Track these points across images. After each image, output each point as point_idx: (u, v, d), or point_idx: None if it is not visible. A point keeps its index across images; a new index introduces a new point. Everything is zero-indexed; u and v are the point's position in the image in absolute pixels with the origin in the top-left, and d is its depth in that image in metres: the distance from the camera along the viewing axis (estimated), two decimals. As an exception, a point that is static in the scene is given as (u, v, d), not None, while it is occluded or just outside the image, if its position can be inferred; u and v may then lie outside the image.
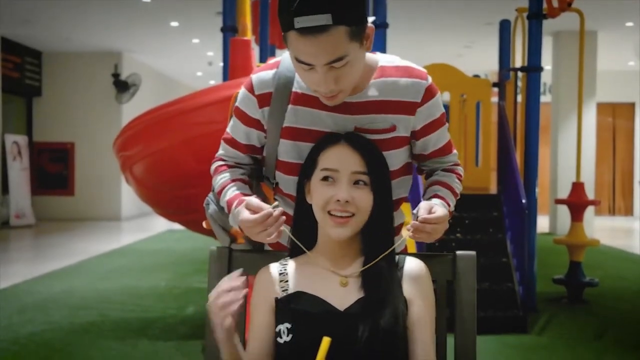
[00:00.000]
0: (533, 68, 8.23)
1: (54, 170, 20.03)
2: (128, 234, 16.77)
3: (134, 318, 7.68)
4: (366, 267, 2.33)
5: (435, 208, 2.44)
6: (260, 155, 2.71)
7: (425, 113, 2.52)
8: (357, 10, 2.21)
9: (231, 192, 2.57)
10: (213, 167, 2.72)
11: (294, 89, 2.51)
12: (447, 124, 2.63)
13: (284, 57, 2.55)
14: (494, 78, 12.30)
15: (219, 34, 8.31)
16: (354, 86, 2.40)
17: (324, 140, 2.36)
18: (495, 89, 10.19)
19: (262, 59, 9.20)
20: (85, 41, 18.39)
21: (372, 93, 2.47)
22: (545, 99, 16.13)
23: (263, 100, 2.53)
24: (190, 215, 6.68)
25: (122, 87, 19.77)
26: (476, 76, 11.25)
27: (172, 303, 8.42)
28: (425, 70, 2.54)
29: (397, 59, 2.56)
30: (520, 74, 9.29)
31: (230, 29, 7.59)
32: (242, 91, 2.59)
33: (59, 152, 20.02)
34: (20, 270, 10.92)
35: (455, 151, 2.72)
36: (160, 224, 18.15)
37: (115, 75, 19.88)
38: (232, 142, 2.67)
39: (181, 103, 6.01)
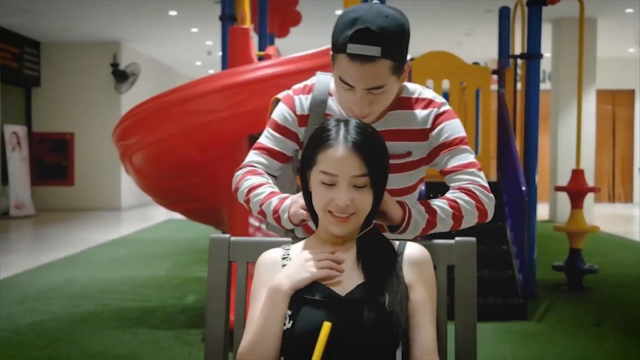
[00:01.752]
0: (533, 55, 8.22)
1: (53, 160, 19.99)
2: (128, 224, 16.77)
3: (134, 307, 7.68)
4: (360, 234, 2.38)
5: None
6: (287, 163, 2.91)
7: (436, 136, 2.69)
8: (402, 48, 2.46)
9: (270, 189, 2.70)
10: (244, 170, 2.82)
11: (326, 111, 2.75)
12: (464, 147, 2.70)
13: (317, 81, 2.83)
14: (494, 66, 12.28)
15: (218, 23, 8.30)
16: (383, 110, 2.66)
17: (323, 136, 2.32)
18: (495, 77, 10.18)
19: (261, 48, 9.20)
20: (83, 31, 18.33)
21: (390, 123, 2.70)
22: (544, 86, 16.08)
23: (302, 120, 2.78)
24: (190, 205, 6.68)
25: (121, 76, 19.71)
26: (475, 64, 11.23)
27: (172, 292, 8.42)
28: (442, 101, 2.74)
29: (418, 89, 2.76)
30: (519, 61, 9.28)
31: (229, 18, 7.58)
32: (283, 108, 2.82)
33: (59, 143, 19.98)
34: (20, 261, 10.92)
35: (472, 169, 2.69)
36: (161, 214, 18.15)
37: (114, 65, 19.84)
38: (269, 151, 2.82)
39: (180, 92, 5.97)
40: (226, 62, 7.14)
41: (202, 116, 5.79)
